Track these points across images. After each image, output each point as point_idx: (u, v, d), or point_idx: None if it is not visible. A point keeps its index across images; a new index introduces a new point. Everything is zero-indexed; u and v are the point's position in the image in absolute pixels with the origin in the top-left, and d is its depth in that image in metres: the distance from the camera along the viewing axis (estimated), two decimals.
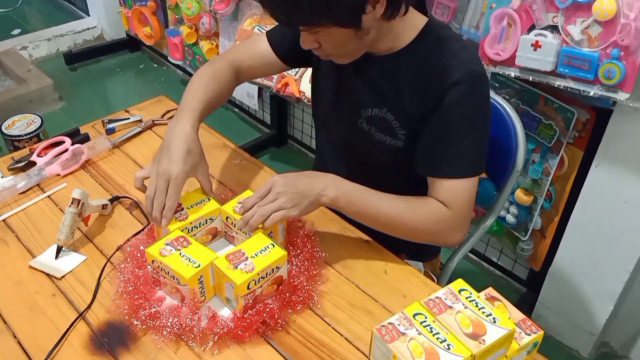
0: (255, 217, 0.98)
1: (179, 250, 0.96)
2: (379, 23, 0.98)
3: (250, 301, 0.94)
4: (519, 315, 0.88)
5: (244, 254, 0.95)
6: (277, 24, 1.20)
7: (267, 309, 0.95)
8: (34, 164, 1.29)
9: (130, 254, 1.06)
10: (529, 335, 0.86)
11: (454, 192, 1.04)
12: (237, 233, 1.05)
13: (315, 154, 1.40)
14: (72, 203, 1.06)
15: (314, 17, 0.92)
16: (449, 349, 0.79)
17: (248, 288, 0.92)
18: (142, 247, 1.05)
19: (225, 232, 1.10)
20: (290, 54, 1.21)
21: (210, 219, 1.05)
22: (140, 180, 1.06)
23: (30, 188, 1.24)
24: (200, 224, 1.05)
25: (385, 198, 1.06)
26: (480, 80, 1.03)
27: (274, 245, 0.96)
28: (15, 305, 0.99)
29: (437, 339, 0.81)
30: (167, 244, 0.97)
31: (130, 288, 0.98)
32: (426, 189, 1.11)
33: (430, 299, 0.87)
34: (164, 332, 0.92)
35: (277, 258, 0.94)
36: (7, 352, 0.92)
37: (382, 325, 0.83)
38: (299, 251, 1.06)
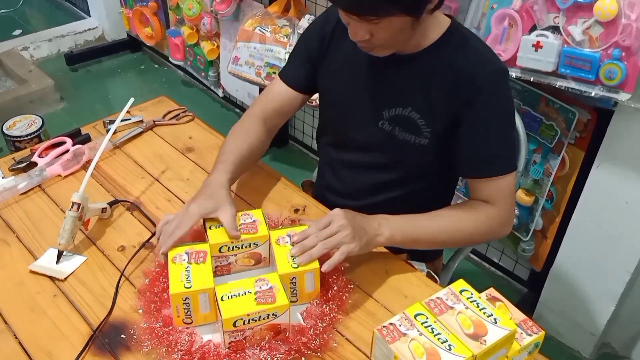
0: (318, 247, 0.95)
1: (190, 264, 0.94)
2: (424, 15, 0.99)
3: (240, 338, 0.89)
4: (520, 315, 0.88)
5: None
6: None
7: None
8: (35, 164, 1.29)
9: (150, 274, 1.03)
10: (530, 335, 0.86)
11: (499, 189, 1.08)
12: (234, 262, 1.02)
13: (319, 168, 1.37)
14: (72, 207, 1.06)
15: (388, 5, 0.92)
16: (450, 349, 0.79)
17: (234, 325, 0.87)
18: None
19: (218, 264, 1.02)
20: (306, 83, 1.24)
21: (255, 243, 1.01)
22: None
23: (32, 189, 1.24)
24: (243, 245, 1.00)
25: (435, 217, 1.09)
26: (506, 77, 1.08)
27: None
28: (16, 306, 0.99)
29: (439, 339, 0.81)
30: (186, 252, 0.96)
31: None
32: (442, 190, 1.20)
33: (431, 300, 0.87)
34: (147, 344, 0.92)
35: (276, 305, 0.88)
36: (8, 353, 0.92)
37: (383, 326, 0.83)
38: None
